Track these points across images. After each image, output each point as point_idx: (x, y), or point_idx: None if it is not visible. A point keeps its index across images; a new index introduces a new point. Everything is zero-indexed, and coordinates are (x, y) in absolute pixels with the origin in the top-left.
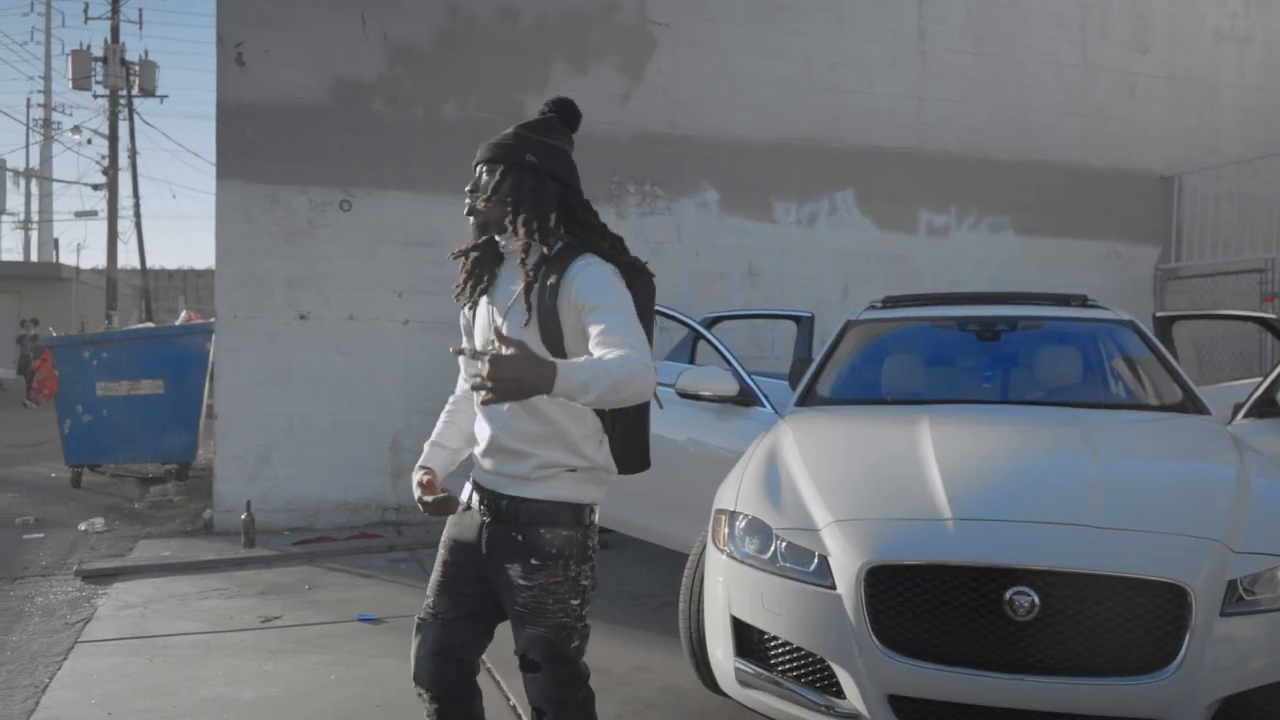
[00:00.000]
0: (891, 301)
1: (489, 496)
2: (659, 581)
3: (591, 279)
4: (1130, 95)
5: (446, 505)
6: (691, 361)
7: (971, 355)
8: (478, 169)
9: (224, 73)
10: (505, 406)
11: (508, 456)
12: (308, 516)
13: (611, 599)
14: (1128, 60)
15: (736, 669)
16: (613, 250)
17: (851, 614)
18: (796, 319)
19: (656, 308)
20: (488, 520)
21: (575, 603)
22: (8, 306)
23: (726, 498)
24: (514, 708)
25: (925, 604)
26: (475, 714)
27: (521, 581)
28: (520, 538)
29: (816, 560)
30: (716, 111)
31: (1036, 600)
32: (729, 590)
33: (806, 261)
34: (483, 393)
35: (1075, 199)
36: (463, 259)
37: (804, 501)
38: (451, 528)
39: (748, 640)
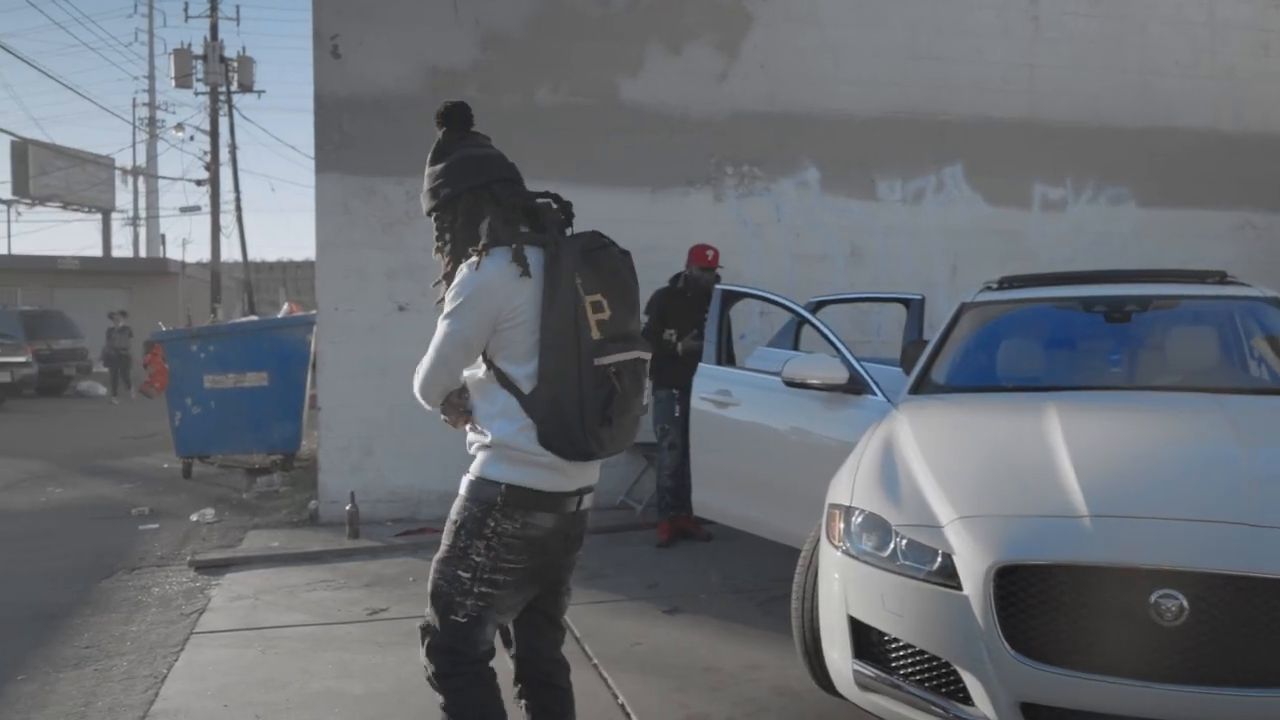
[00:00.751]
0: (1008, 282)
1: None
2: (765, 575)
3: (458, 277)
4: (1264, 53)
5: None
6: (795, 347)
7: (1099, 338)
8: None
9: (320, 66)
10: None
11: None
12: (410, 507)
13: (716, 593)
14: (1262, 16)
15: (855, 671)
16: (543, 228)
17: (980, 616)
18: (906, 301)
19: (759, 292)
20: None
21: (464, 575)
22: (119, 301)
23: (841, 492)
24: (621, 705)
25: (1060, 607)
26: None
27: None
28: None
29: (940, 559)
30: (816, 87)
31: (1185, 604)
32: (846, 589)
33: (913, 240)
34: None
35: (1204, 167)
36: None
37: (924, 496)
38: None
39: (866, 641)
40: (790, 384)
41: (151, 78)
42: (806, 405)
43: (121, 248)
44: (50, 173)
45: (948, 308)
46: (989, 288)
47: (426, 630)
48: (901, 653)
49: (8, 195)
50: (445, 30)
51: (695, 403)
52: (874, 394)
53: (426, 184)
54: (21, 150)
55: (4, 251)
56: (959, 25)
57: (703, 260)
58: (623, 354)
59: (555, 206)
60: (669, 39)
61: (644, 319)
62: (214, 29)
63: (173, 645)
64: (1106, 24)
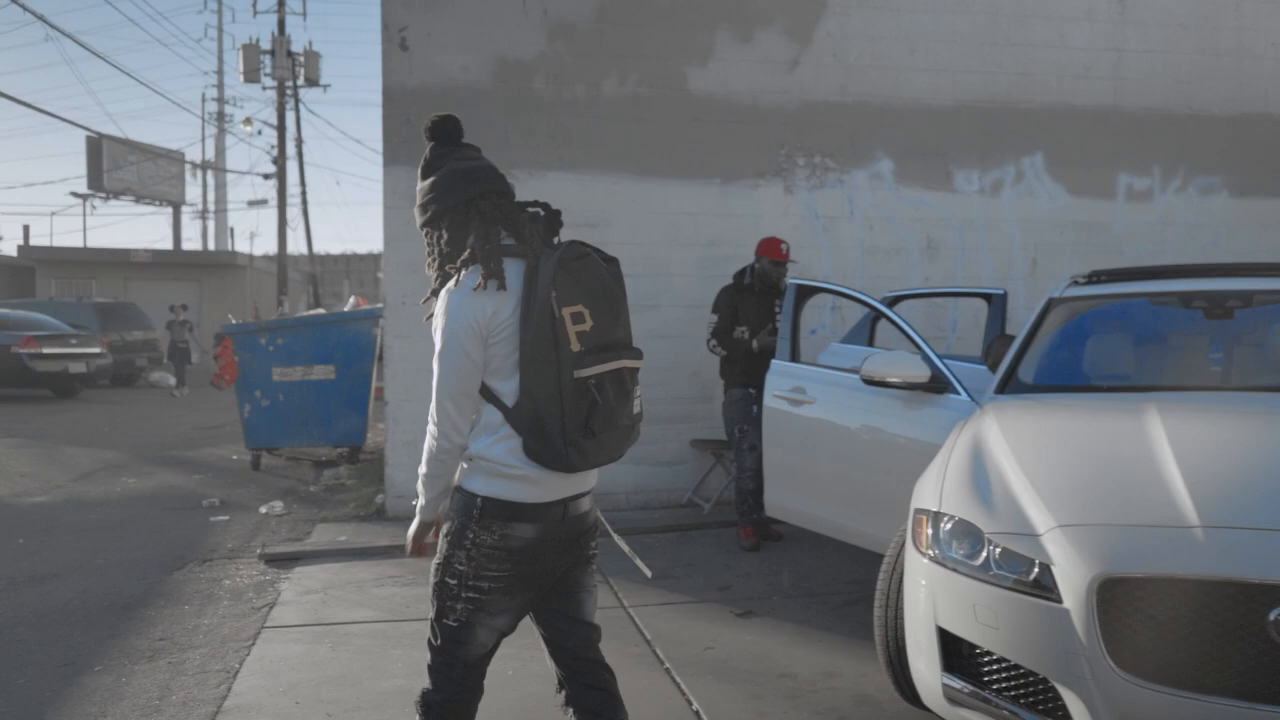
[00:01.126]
0: (1098, 276)
1: None
2: (839, 578)
3: (438, 310)
4: None
5: None
6: (870, 344)
7: (1199, 335)
8: None
9: (389, 58)
10: None
11: None
12: None
13: (788, 596)
14: None
15: (944, 685)
16: (524, 240)
17: (1081, 631)
18: (987, 296)
19: (835, 288)
20: None
21: (451, 582)
22: (190, 293)
23: (928, 496)
24: (696, 712)
25: (1168, 623)
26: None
27: None
28: None
29: (1037, 569)
30: (891, 75)
31: None
32: (934, 598)
33: (990, 233)
34: None
35: None
36: None
37: (1019, 503)
38: None
39: (956, 654)
40: (869, 382)
41: (220, 73)
42: (885, 404)
43: (191, 241)
44: (123, 167)
45: (1028, 303)
46: (1077, 282)
47: (430, 625)
48: (995, 667)
49: (83, 189)
50: (513, 21)
51: (768, 400)
52: (957, 393)
53: (417, 199)
54: (96, 145)
55: (80, 244)
56: (1041, 8)
57: (775, 254)
58: (606, 365)
59: (543, 215)
60: (739, 27)
61: (712, 318)
62: (281, 24)
63: (244, 639)
64: (1197, 4)
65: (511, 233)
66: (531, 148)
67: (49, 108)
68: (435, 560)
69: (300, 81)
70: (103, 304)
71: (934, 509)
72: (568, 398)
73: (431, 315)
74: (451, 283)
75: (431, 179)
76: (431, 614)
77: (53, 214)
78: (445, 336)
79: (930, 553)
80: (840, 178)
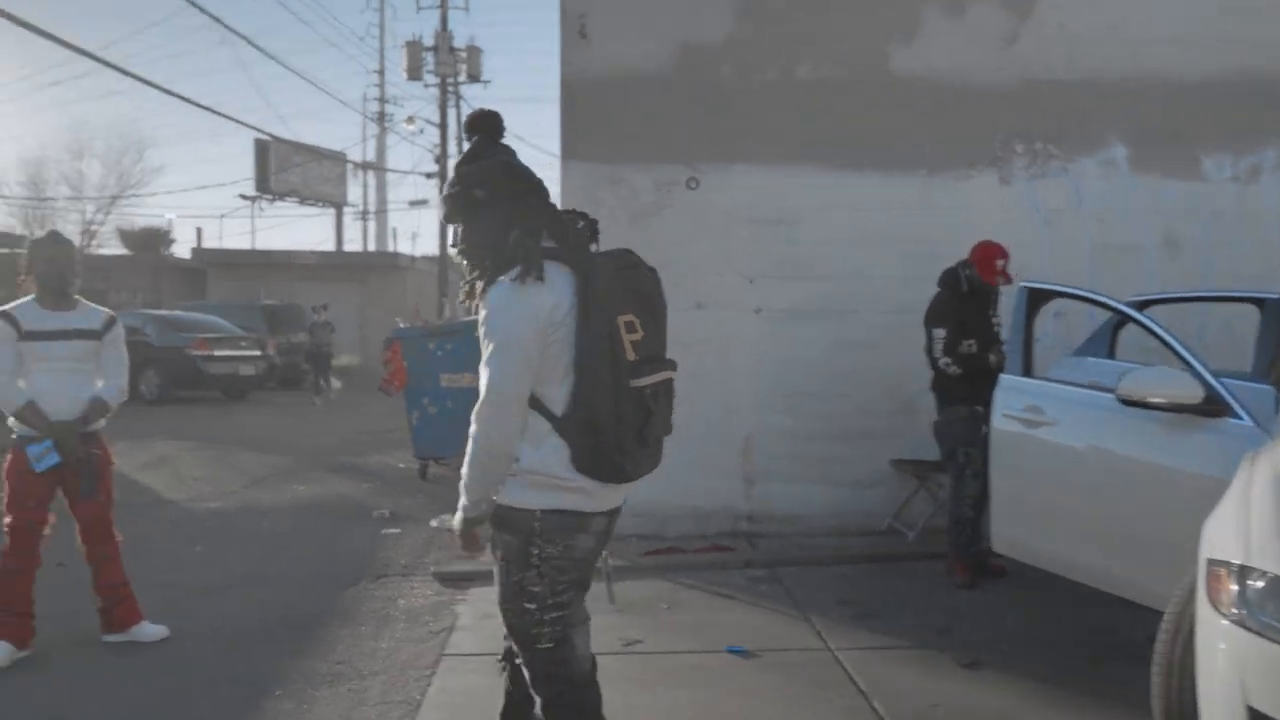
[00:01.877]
0: None
1: None
2: (1076, 625)
3: (485, 311)
4: None
5: None
6: (1111, 355)
7: None
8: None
9: (567, 48)
10: None
11: None
12: (656, 523)
13: (1019, 646)
14: None
15: None
16: (572, 246)
17: None
18: (1258, 301)
19: (1077, 291)
20: None
21: (531, 606)
22: (352, 295)
23: (1226, 545)
24: None
25: None
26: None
27: None
28: None
29: None
30: (1126, 47)
31: None
32: (1243, 670)
33: (1245, 227)
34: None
35: None
36: None
37: None
38: None
39: None
40: (1127, 402)
41: (381, 71)
42: (1143, 428)
43: (352, 242)
44: (288, 169)
45: None
46: None
47: (525, 665)
48: None
49: (251, 191)
50: (698, 2)
51: (998, 421)
52: (1238, 417)
53: (455, 184)
54: (263, 148)
55: (248, 246)
56: None
57: (989, 272)
58: (657, 375)
59: (583, 224)
60: None
61: (938, 333)
62: (444, 19)
63: (423, 667)
64: None
65: (554, 235)
66: (716, 139)
67: (220, 111)
68: (501, 596)
69: (462, 78)
70: (269, 306)
71: (1238, 561)
72: (625, 406)
73: (469, 295)
74: (499, 286)
75: (475, 166)
76: (517, 648)
77: (222, 216)
78: (500, 336)
79: (1234, 614)
80: (1065, 165)
